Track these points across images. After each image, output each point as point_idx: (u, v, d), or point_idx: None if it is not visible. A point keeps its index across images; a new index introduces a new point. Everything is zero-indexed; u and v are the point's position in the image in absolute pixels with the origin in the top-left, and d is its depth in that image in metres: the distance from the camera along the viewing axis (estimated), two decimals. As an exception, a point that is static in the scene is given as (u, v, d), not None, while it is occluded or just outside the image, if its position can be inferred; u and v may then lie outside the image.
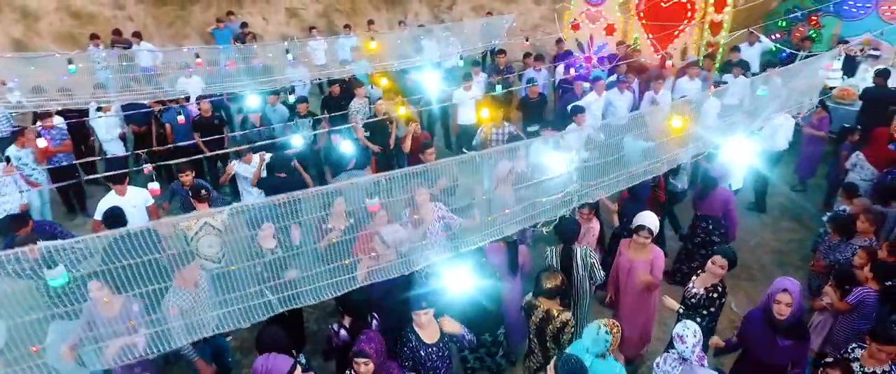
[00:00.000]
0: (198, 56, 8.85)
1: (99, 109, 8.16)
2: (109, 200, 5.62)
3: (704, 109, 6.50)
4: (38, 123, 7.57)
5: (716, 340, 4.06)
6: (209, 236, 4.88)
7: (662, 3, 10.68)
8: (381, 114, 7.85)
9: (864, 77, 9.49)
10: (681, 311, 4.39)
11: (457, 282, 3.74)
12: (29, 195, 6.75)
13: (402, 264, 3.92)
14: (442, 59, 10.82)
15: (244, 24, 13.77)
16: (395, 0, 16.76)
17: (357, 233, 4.01)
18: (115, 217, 5.11)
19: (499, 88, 7.94)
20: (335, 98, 9.36)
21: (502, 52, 10.73)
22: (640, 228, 4.62)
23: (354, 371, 3.47)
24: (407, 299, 4.55)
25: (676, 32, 10.71)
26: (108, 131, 8.14)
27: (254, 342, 3.85)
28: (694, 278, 4.50)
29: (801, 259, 6.95)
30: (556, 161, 4.27)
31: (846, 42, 9.98)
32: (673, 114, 4.90)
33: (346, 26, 14.10)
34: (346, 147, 6.24)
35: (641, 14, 11.05)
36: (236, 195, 7.95)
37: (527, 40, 10.61)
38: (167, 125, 8.38)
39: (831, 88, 8.36)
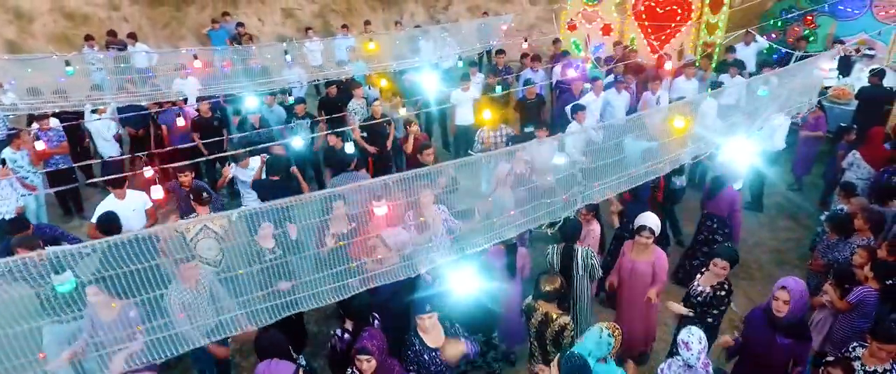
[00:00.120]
0: (196, 57, 8.81)
1: (94, 111, 8.11)
2: (109, 203, 5.58)
3: (702, 110, 6.54)
4: (34, 125, 7.53)
5: (727, 338, 4.04)
6: (208, 238, 4.85)
7: (658, 7, 10.71)
8: (377, 115, 7.84)
9: (860, 77, 9.55)
10: (691, 314, 4.38)
11: (461, 284, 3.72)
12: (24, 198, 6.69)
13: (405, 267, 3.91)
14: (440, 60, 10.81)
15: (240, 25, 13.72)
16: (390, 0, 16.74)
17: (358, 236, 4.01)
18: (110, 222, 5.07)
19: (499, 89, 7.93)
20: (332, 99, 9.33)
21: (502, 52, 10.73)
22: (642, 228, 4.64)
23: (357, 369, 3.48)
24: (410, 301, 4.57)
25: (673, 32, 10.74)
26: (104, 133, 8.09)
27: (253, 344, 3.85)
28: (698, 276, 4.51)
29: (798, 258, 6.98)
30: (563, 162, 4.26)
31: (842, 42, 10.04)
32: (674, 114, 4.91)
33: (344, 26, 14.08)
34: (348, 149, 6.22)
35: (639, 14, 11.07)
36: (233, 197, 7.94)
37: (525, 41, 10.60)
38: (163, 127, 8.35)
39: (827, 88, 8.40)
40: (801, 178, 8.64)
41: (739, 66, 9.36)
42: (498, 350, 5.05)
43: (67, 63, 7.44)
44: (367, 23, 14.78)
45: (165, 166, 5.26)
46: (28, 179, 6.98)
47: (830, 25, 10.77)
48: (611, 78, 9.46)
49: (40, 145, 6.94)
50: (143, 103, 8.28)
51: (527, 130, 8.40)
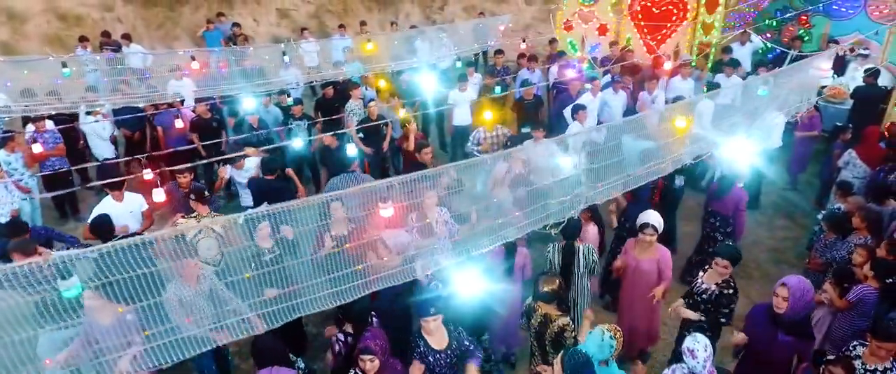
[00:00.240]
0: (193, 58, 8.77)
1: (89, 113, 8.05)
2: (106, 205, 5.55)
3: (699, 110, 6.56)
4: (30, 126, 7.47)
5: (743, 336, 4.03)
6: (208, 238, 4.83)
7: (654, 7, 10.74)
8: (373, 116, 7.84)
9: (854, 76, 9.61)
10: (702, 319, 4.37)
11: (463, 286, 3.71)
12: (19, 201, 6.63)
13: (406, 270, 3.89)
14: (437, 61, 10.79)
15: (236, 25, 13.66)
16: (386, 1, 16.72)
17: (355, 235, 4.00)
18: (103, 225, 5.05)
19: (498, 89, 7.93)
20: (329, 100, 9.31)
21: (500, 52, 10.73)
22: (645, 225, 4.65)
23: (360, 369, 3.49)
24: (410, 303, 4.56)
25: (669, 32, 10.77)
26: (101, 133, 8.03)
27: (249, 348, 3.82)
28: (701, 274, 4.52)
29: (796, 257, 7.01)
30: (564, 163, 4.26)
31: (836, 41, 10.11)
32: (675, 115, 4.92)
33: (341, 26, 14.04)
34: (350, 151, 6.21)
35: (635, 14, 11.09)
36: (231, 198, 7.91)
37: (524, 41, 10.61)
38: (159, 128, 8.30)
39: (823, 87, 8.45)
40: (796, 176, 8.68)
41: (735, 65, 9.40)
42: (491, 353, 5.06)
43: (64, 65, 7.38)
44: (362, 23, 14.75)
45: (168, 170, 5.22)
46: (23, 182, 6.92)
47: (825, 25, 10.84)
48: (608, 78, 9.47)
49: (37, 148, 6.89)
50: (139, 105, 8.22)
51: (524, 130, 8.40)
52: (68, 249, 5.07)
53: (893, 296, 4.47)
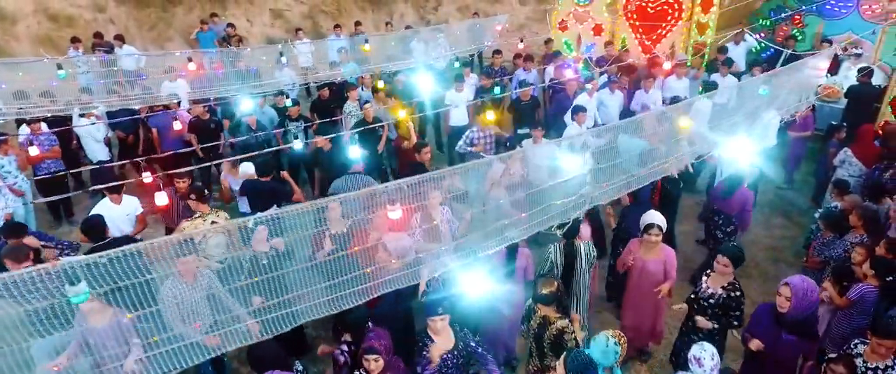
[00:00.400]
0: (190, 60, 8.72)
1: (82, 115, 7.97)
2: (103, 207, 5.49)
3: (696, 109, 6.57)
4: (24, 128, 7.39)
5: (758, 342, 4.02)
6: (218, 234, 4.82)
7: (649, 6, 10.76)
8: (369, 118, 7.82)
9: (848, 75, 9.67)
10: (716, 326, 4.36)
11: (468, 287, 3.70)
12: (13, 204, 6.56)
13: (407, 275, 3.86)
14: (433, 61, 10.77)
15: (230, 25, 13.59)
16: (380, 1, 16.69)
17: (356, 238, 3.97)
18: (96, 226, 4.99)
19: (497, 90, 7.93)
20: (325, 102, 9.27)
21: (498, 52, 10.73)
22: (651, 226, 4.64)
23: (364, 369, 3.51)
24: (410, 306, 4.54)
25: (664, 32, 10.81)
26: (95, 134, 7.96)
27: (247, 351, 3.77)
28: (704, 278, 4.51)
29: (794, 255, 7.05)
30: (569, 163, 4.25)
31: (830, 41, 10.18)
32: (676, 115, 4.93)
33: (336, 26, 14.00)
34: (353, 152, 6.19)
35: (629, 14, 11.11)
36: (229, 201, 7.84)
37: (521, 41, 10.61)
38: (154, 130, 8.23)
39: (817, 86, 8.50)
40: (792, 175, 8.73)
41: (729, 64, 9.44)
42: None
43: (59, 66, 7.31)
44: (357, 24, 14.71)
45: (169, 173, 5.18)
46: (16, 185, 6.84)
47: (818, 25, 10.90)
48: (604, 78, 9.48)
49: (34, 150, 6.83)
50: (135, 107, 8.16)
51: (521, 131, 8.40)
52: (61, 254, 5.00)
53: (893, 294, 4.49)
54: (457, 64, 9.98)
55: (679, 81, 9.37)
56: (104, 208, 5.49)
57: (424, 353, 3.72)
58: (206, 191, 5.60)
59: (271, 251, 4.18)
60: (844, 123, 7.91)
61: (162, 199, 4.47)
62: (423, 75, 9.36)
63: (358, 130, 7.60)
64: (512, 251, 4.60)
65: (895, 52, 9.61)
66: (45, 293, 2.52)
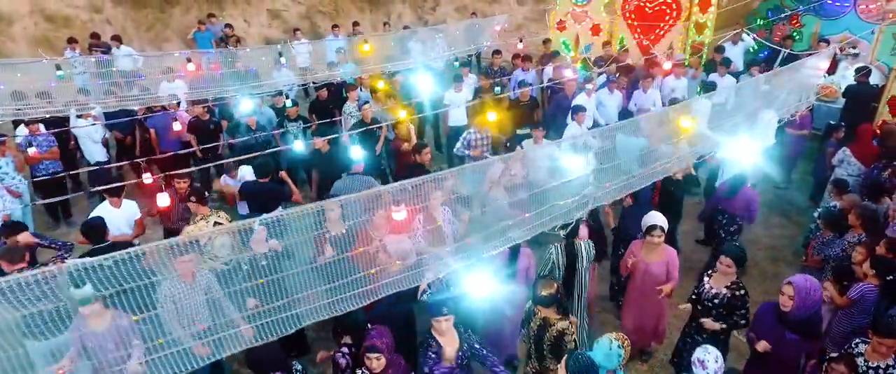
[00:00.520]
0: (189, 60, 8.69)
1: (79, 116, 7.94)
2: (103, 210, 5.46)
3: (695, 110, 6.58)
4: (22, 129, 7.36)
5: (765, 344, 4.02)
6: (223, 235, 4.81)
7: (647, 6, 10.77)
8: (367, 118, 7.81)
9: (845, 75, 9.70)
10: (724, 327, 4.36)
11: (473, 288, 3.69)
12: (10, 205, 6.52)
13: (409, 277, 3.84)
14: (432, 61, 10.75)
15: (228, 26, 13.55)
16: (378, 1, 16.67)
17: (355, 240, 3.95)
18: (96, 228, 4.96)
19: (498, 89, 7.93)
20: (323, 102, 9.26)
21: (498, 52, 10.73)
22: (653, 227, 4.63)
23: (367, 368, 3.53)
24: (411, 308, 4.52)
25: (662, 32, 10.82)
26: (93, 135, 7.93)
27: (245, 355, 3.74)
28: (706, 279, 4.50)
29: (793, 255, 7.07)
30: (573, 164, 4.25)
31: (827, 41, 10.21)
32: (678, 115, 4.93)
33: (335, 27, 13.98)
34: (355, 153, 6.20)
35: (627, 14, 11.12)
36: (223, 201, 7.83)
37: (521, 41, 10.60)
38: (152, 130, 8.20)
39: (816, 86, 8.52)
40: (789, 174, 8.75)
41: (727, 64, 9.46)
42: None
43: (58, 67, 7.27)
44: (355, 24, 14.68)
45: (171, 174, 5.16)
46: (13, 186, 6.80)
47: (815, 24, 10.93)
48: (603, 78, 9.49)
49: (33, 151, 6.79)
50: (134, 108, 8.14)
51: (520, 132, 8.38)
52: (58, 255, 4.95)
53: (894, 293, 4.50)
54: (456, 64, 9.97)
55: (678, 81, 9.39)
56: (104, 211, 5.46)
57: (431, 354, 3.71)
58: (206, 193, 5.59)
59: (270, 253, 4.16)
60: (842, 123, 7.93)
61: (163, 200, 4.44)
62: (422, 76, 9.34)
63: (357, 131, 7.58)
64: (514, 252, 4.60)
65: (892, 52, 9.66)
66: (51, 297, 2.49)
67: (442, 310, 3.70)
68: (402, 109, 7.87)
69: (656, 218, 4.69)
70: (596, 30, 11.62)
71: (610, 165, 4.39)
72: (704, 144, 5.38)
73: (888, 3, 10.11)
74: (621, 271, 5.16)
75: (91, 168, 7.10)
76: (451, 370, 3.75)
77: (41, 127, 7.33)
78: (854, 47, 9.98)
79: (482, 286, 3.70)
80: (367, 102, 8.43)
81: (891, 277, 4.50)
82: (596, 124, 8.30)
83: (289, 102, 8.34)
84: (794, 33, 10.94)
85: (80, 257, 4.89)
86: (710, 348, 3.50)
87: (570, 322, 4.00)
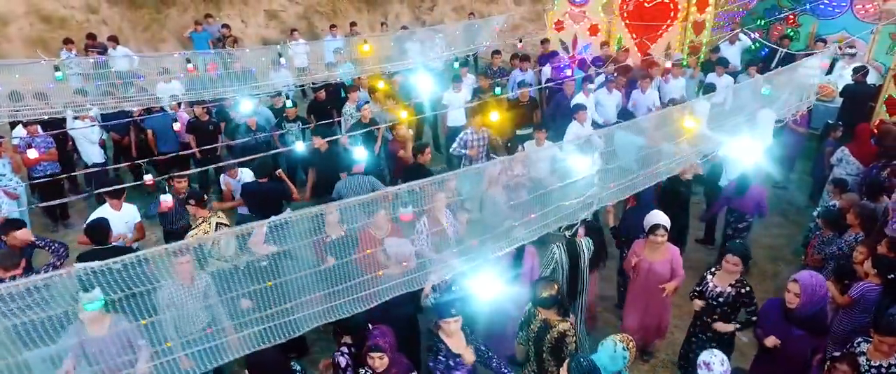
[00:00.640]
0: (189, 61, 8.65)
1: (76, 117, 7.89)
2: (103, 213, 5.42)
3: (695, 110, 6.60)
4: (20, 130, 7.31)
5: (774, 339, 4.02)
6: (226, 236, 4.78)
7: (646, 3, 10.78)
8: (366, 119, 7.79)
9: (842, 74, 9.74)
10: (738, 327, 4.36)
11: (480, 289, 3.68)
12: (8, 207, 6.48)
13: (409, 281, 3.81)
14: (430, 62, 10.74)
15: (225, 26, 13.50)
16: (375, 1, 16.65)
17: (357, 242, 3.92)
18: (99, 229, 4.93)
19: (499, 90, 7.93)
20: (321, 103, 9.24)
21: (498, 52, 10.72)
22: (656, 227, 4.63)
23: (369, 367, 3.53)
24: (410, 311, 4.51)
25: (660, 32, 10.83)
26: (90, 136, 7.89)
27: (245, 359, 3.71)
28: (710, 277, 4.50)
29: (792, 254, 7.09)
30: (580, 164, 4.25)
31: (824, 40, 10.25)
32: (679, 116, 4.94)
33: (332, 27, 13.95)
34: (359, 153, 6.19)
35: (625, 14, 11.14)
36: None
37: (520, 41, 10.61)
38: (149, 131, 8.17)
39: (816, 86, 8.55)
40: (788, 174, 8.77)
41: (724, 64, 9.49)
42: None
43: (57, 68, 7.23)
44: (353, 24, 14.66)
45: (174, 176, 5.13)
46: (11, 188, 6.76)
47: (812, 24, 10.98)
48: (602, 78, 9.50)
49: (33, 153, 6.78)
50: (133, 109, 8.10)
51: (520, 132, 8.37)
52: (52, 261, 4.87)
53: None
54: (456, 64, 9.97)
55: (676, 81, 9.42)
56: (103, 214, 5.42)
57: (441, 358, 3.69)
58: (203, 197, 5.55)
59: (270, 255, 4.12)
60: (840, 122, 7.96)
61: (167, 201, 4.41)
62: (421, 76, 9.33)
63: (356, 133, 7.56)
64: (520, 253, 4.59)
65: (888, 52, 9.71)
66: (54, 303, 2.44)
67: (450, 311, 3.68)
68: (402, 109, 7.84)
69: (659, 217, 4.68)
70: (594, 30, 11.63)
71: (614, 165, 4.39)
72: (706, 143, 5.39)
73: (885, 4, 10.15)
74: (626, 270, 5.16)
75: (89, 170, 7.05)
76: (470, 371, 3.75)
77: (39, 128, 7.29)
78: (852, 47, 10.02)
79: (488, 288, 3.68)
80: (366, 103, 8.40)
81: (892, 276, 4.51)
82: (595, 124, 8.31)
83: (289, 103, 8.32)
84: (791, 33, 10.98)
85: (79, 257, 4.91)
86: (716, 351, 3.48)
87: (571, 324, 4.01)
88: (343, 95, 10.36)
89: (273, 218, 3.15)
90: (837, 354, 3.87)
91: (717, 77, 9.12)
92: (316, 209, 3.43)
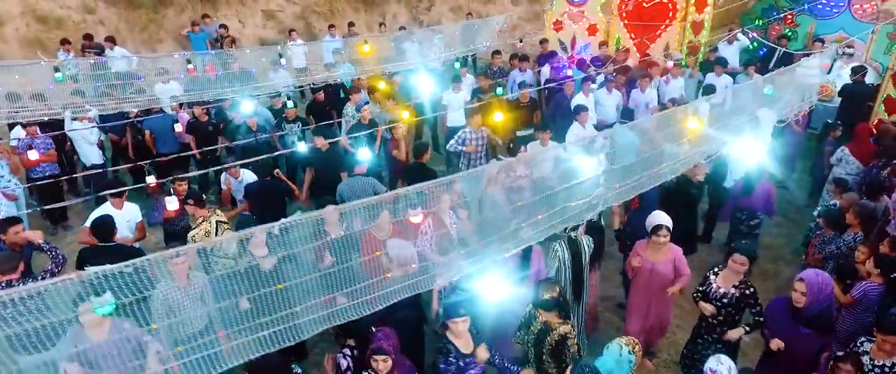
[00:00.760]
0: (189, 62, 8.63)
1: (74, 119, 7.85)
2: (105, 212, 5.39)
3: (697, 110, 6.61)
4: (19, 131, 7.27)
5: (778, 342, 4.02)
6: (228, 231, 4.80)
7: (645, 3, 10.81)
8: (365, 121, 7.77)
9: (840, 74, 9.77)
10: (748, 330, 4.35)
11: (487, 290, 3.67)
12: (7, 208, 6.44)
13: (414, 284, 3.78)
14: (429, 62, 10.72)
15: (223, 26, 13.46)
16: (373, 1, 16.63)
17: (359, 245, 3.89)
18: (105, 226, 4.92)
19: (500, 90, 7.94)
20: (320, 104, 9.22)
21: (498, 53, 10.71)
22: (659, 227, 4.61)
23: (373, 370, 3.51)
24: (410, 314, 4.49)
25: (659, 32, 10.86)
26: (89, 137, 7.86)
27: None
28: (712, 277, 4.48)
29: (792, 253, 7.11)
30: (586, 165, 4.24)
31: (822, 40, 10.29)
32: (681, 117, 4.95)
33: (331, 26, 13.92)
34: (363, 154, 6.18)
35: (624, 14, 11.15)
36: (232, 206, 7.75)
37: (520, 42, 10.61)
38: (147, 132, 8.13)
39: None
40: (788, 174, 8.80)
41: (723, 64, 9.52)
42: None
43: (56, 69, 7.20)
44: (351, 24, 14.63)
45: (177, 178, 5.11)
46: (9, 189, 6.72)
47: (810, 24, 11.02)
48: (601, 78, 9.51)
49: (34, 154, 6.76)
50: (133, 110, 8.06)
51: (521, 133, 8.36)
52: (53, 264, 4.83)
53: (899, 290, 4.53)
54: (457, 64, 9.97)
55: (675, 80, 9.44)
56: (105, 212, 5.40)
57: (452, 359, 3.68)
58: (202, 197, 5.54)
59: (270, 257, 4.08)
60: (839, 122, 7.98)
61: (172, 204, 4.39)
62: (422, 76, 9.32)
63: (356, 135, 7.54)
64: (527, 255, 4.58)
65: (886, 51, 9.75)
66: (56, 310, 2.38)
67: (459, 312, 3.67)
68: (403, 109, 7.83)
69: (661, 218, 4.67)
70: (592, 30, 11.64)
71: (619, 166, 4.39)
72: (709, 144, 5.39)
73: (883, 3, 10.20)
74: (628, 274, 5.15)
75: (88, 172, 7.01)
76: (484, 369, 3.75)
77: (37, 129, 7.25)
78: (850, 47, 10.06)
79: (495, 288, 3.67)
80: (366, 103, 8.37)
81: (895, 275, 4.53)
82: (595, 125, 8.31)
83: (290, 104, 8.30)
84: (789, 33, 11.02)
85: (82, 253, 4.88)
86: (723, 357, 3.45)
87: (572, 327, 3.99)
88: (342, 95, 10.34)
89: (283, 220, 3.10)
90: (841, 353, 3.88)
91: (716, 77, 9.14)
92: (315, 214, 3.38)
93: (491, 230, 3.98)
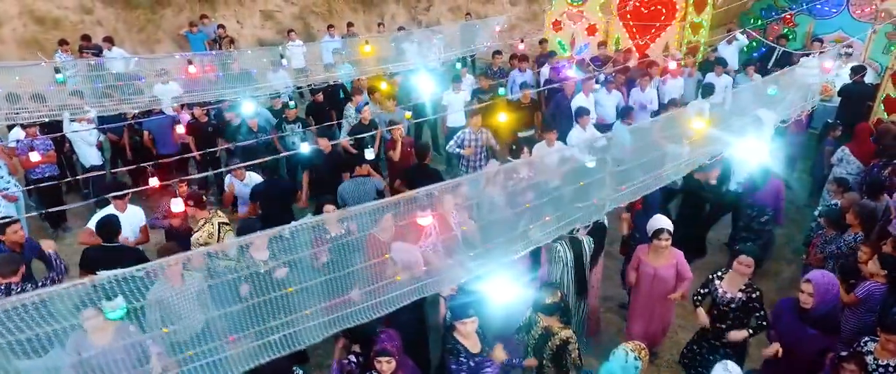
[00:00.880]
0: (190, 62, 8.60)
1: (73, 120, 7.81)
2: (108, 213, 5.37)
3: (697, 111, 6.62)
4: (18, 132, 7.24)
5: (777, 347, 4.04)
6: (230, 232, 4.77)
7: (643, 9, 10.83)
8: (365, 121, 7.75)
9: (839, 74, 9.79)
10: (750, 333, 4.35)
11: (495, 292, 3.67)
12: (6, 210, 6.41)
13: (415, 290, 3.76)
14: (430, 62, 10.72)
15: (221, 26, 13.42)
16: (371, 2, 16.60)
17: (363, 247, 3.86)
18: (109, 226, 4.90)
19: (502, 90, 7.93)
20: (320, 105, 9.19)
21: (498, 53, 10.71)
22: (660, 231, 4.59)
23: (377, 372, 3.53)
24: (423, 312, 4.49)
25: (658, 33, 10.87)
26: (88, 138, 7.82)
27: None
28: (717, 281, 4.45)
29: (792, 253, 7.12)
30: (591, 165, 4.24)
31: (820, 40, 10.32)
32: (685, 117, 4.95)
33: (330, 27, 13.89)
34: (368, 155, 6.18)
35: (623, 14, 11.17)
36: (234, 209, 7.72)
37: (522, 42, 10.61)
38: (146, 132, 8.10)
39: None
40: (789, 174, 8.82)
41: (723, 64, 9.53)
42: None
43: (57, 70, 7.16)
44: (349, 25, 14.61)
45: (182, 180, 5.09)
46: (8, 191, 6.68)
47: (808, 24, 11.05)
48: (601, 78, 9.51)
49: (35, 156, 6.75)
50: (133, 111, 8.03)
51: (522, 134, 8.36)
52: (54, 272, 4.79)
53: (901, 290, 4.54)
54: (458, 65, 9.97)
55: (674, 80, 9.45)
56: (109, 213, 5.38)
57: (462, 359, 3.68)
58: (203, 198, 5.52)
59: (271, 262, 4.04)
60: (839, 122, 8.00)
61: (178, 205, 4.37)
62: (422, 77, 9.31)
63: (357, 136, 7.53)
64: (536, 258, 4.57)
65: (884, 51, 9.78)
66: (61, 318, 2.35)
67: (468, 312, 3.67)
68: (401, 109, 7.82)
69: (662, 222, 4.65)
70: (592, 30, 11.65)
71: (623, 167, 4.39)
72: (712, 144, 5.39)
73: (881, 3, 10.23)
74: (627, 281, 5.11)
75: (88, 174, 6.98)
76: (499, 369, 3.75)
77: (37, 130, 7.22)
78: (849, 47, 10.09)
79: (503, 291, 3.67)
80: (366, 103, 8.36)
81: (898, 275, 4.54)
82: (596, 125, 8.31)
83: (292, 104, 8.29)
84: (788, 32, 11.05)
85: (85, 253, 4.87)
86: (730, 364, 3.43)
87: (573, 332, 3.99)
88: (342, 96, 10.32)
89: (294, 223, 3.09)
90: (845, 353, 3.88)
91: (716, 77, 9.16)
92: (316, 219, 3.35)
93: (496, 232, 3.96)
